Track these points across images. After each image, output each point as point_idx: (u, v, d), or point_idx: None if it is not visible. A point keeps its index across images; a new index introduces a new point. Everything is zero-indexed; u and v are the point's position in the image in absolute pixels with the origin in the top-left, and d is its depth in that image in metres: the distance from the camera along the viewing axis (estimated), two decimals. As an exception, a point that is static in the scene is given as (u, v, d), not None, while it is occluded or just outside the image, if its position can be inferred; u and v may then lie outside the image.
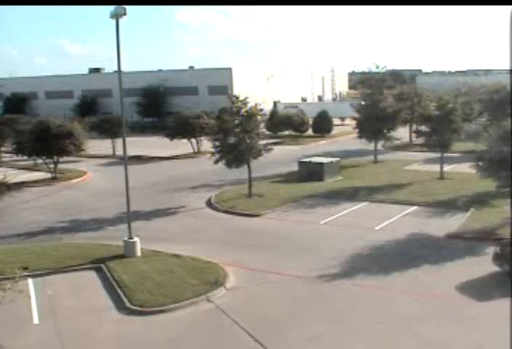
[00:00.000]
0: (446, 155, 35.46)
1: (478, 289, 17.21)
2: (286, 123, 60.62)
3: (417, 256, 20.60)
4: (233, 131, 30.34)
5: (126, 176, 21.75)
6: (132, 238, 21.24)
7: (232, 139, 30.38)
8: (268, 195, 31.13)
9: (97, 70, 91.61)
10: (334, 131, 63.19)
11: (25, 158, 41.74)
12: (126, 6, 19.91)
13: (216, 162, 30.90)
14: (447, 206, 27.70)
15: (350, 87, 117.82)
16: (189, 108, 53.88)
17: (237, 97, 30.78)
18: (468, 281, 17.87)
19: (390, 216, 26.19)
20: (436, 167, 35.37)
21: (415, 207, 27.88)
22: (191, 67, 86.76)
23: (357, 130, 43.58)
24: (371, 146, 42.75)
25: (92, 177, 40.92)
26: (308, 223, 25.77)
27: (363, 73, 54.13)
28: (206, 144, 40.30)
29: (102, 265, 20.11)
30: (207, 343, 14.61)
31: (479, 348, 13.82)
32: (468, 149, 37.19)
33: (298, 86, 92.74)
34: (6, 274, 16.03)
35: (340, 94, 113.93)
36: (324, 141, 58.88)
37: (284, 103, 79.31)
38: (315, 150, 49.44)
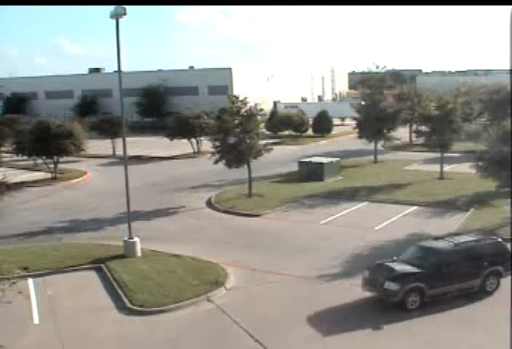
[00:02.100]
0: (446, 155, 35.44)
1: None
2: (286, 123, 60.54)
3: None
4: (233, 131, 30.35)
5: (126, 176, 21.76)
6: (132, 238, 21.25)
7: (232, 139, 30.38)
8: (268, 195, 31.12)
9: (97, 70, 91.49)
10: (334, 131, 63.13)
11: (25, 158, 41.77)
12: (126, 6, 19.96)
13: (216, 162, 30.90)
14: (447, 206, 27.70)
15: (350, 87, 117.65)
16: (189, 108, 53.82)
17: (237, 97, 30.80)
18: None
19: (390, 216, 26.19)
20: (436, 167, 35.36)
21: (415, 207, 27.88)
22: (191, 67, 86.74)
23: (357, 130, 43.59)
24: (371, 146, 42.74)
25: (92, 177, 40.91)
26: (308, 223, 25.77)
27: (363, 73, 54.07)
28: (206, 144, 40.28)
29: (102, 265, 20.13)
30: (207, 343, 14.62)
31: (480, 348, 13.86)
32: (468, 149, 37.21)
33: (298, 86, 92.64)
34: (6, 274, 16.03)
35: (340, 94, 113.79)
36: (324, 141, 58.85)
37: (284, 103, 79.21)
38: (315, 150, 49.41)
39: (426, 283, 15.91)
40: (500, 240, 17.59)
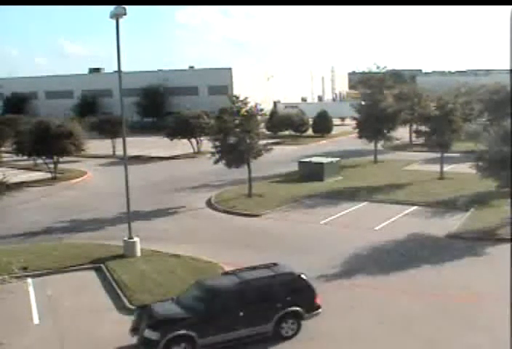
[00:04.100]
0: (446, 155, 35.43)
1: None
2: (286, 123, 60.57)
3: (417, 256, 20.62)
4: (233, 131, 30.34)
5: (126, 176, 21.76)
6: (131, 238, 21.26)
7: (232, 139, 30.38)
8: (267, 195, 31.11)
9: (97, 70, 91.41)
10: (334, 131, 63.15)
11: (25, 158, 41.75)
12: (126, 6, 19.97)
13: (216, 162, 30.89)
14: (447, 206, 27.69)
15: (350, 87, 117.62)
16: (189, 108, 53.80)
17: (237, 97, 30.80)
18: None
19: (390, 216, 26.18)
20: (436, 167, 35.35)
21: (415, 207, 27.87)
22: (191, 67, 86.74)
23: (357, 130, 43.58)
24: (371, 146, 42.72)
25: (92, 177, 40.91)
26: (308, 223, 25.76)
27: (363, 73, 54.10)
28: (206, 144, 40.28)
29: (101, 265, 20.12)
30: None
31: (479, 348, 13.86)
32: (468, 149, 37.17)
33: (298, 86, 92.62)
34: (5, 274, 16.02)
35: (340, 94, 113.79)
36: (324, 141, 58.85)
37: (284, 103, 79.25)
38: (315, 150, 49.40)
39: (198, 331, 13.39)
40: (301, 275, 15.01)
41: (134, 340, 14.07)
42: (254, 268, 15.42)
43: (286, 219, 26.77)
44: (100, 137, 50.98)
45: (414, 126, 46.28)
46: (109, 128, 48.98)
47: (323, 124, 61.43)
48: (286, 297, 14.43)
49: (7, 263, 13.99)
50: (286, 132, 61.45)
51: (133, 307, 16.10)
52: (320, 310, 14.88)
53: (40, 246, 22.78)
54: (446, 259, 20.06)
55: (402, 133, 46.98)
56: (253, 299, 14.11)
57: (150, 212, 28.55)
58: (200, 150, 49.61)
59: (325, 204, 29.32)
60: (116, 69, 21.78)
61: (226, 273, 15.66)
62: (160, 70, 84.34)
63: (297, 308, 14.46)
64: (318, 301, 14.89)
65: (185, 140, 50.16)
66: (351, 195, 30.73)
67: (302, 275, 15.05)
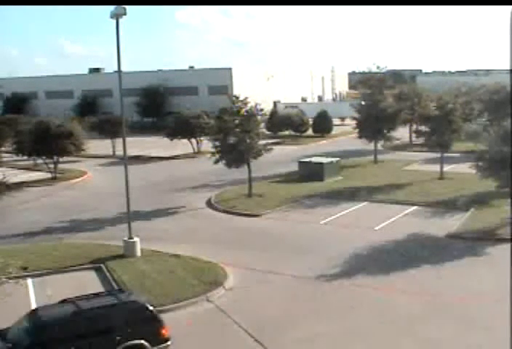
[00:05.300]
0: (446, 155, 35.44)
1: None
2: (286, 123, 60.59)
3: (417, 256, 20.62)
4: (233, 131, 30.35)
5: (126, 176, 21.76)
6: (131, 238, 21.26)
7: (232, 139, 30.39)
8: (267, 195, 31.12)
9: (97, 70, 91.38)
10: (334, 131, 63.17)
11: (25, 158, 41.76)
12: (126, 6, 19.98)
13: (216, 162, 30.90)
14: (447, 206, 27.69)
15: (350, 87, 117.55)
16: (189, 108, 53.84)
17: (237, 97, 30.80)
18: None
19: (390, 216, 26.18)
20: (436, 167, 35.36)
21: (415, 207, 27.87)
22: (191, 67, 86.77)
23: (357, 130, 43.59)
24: (371, 146, 42.72)
25: (92, 177, 40.91)
26: (308, 223, 25.77)
27: (363, 73, 54.13)
28: (206, 144, 40.30)
29: (101, 265, 20.11)
30: (207, 343, 14.60)
31: None
32: (468, 149, 37.20)
33: (298, 86, 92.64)
34: (5, 274, 16.01)
35: (340, 94, 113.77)
36: (324, 141, 58.85)
37: (284, 103, 79.27)
38: (315, 150, 49.39)
39: None
40: (146, 305, 13.62)
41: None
42: (96, 295, 14.17)
43: (286, 219, 26.77)
44: (100, 137, 50.96)
45: (414, 126, 46.31)
46: (109, 128, 48.95)
47: (323, 124, 61.45)
48: (127, 329, 12.94)
49: (6, 265, 13.95)
50: (286, 132, 61.46)
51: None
52: (169, 343, 13.38)
53: (40, 246, 22.78)
54: (446, 259, 20.06)
55: (402, 133, 47.04)
56: (87, 332, 12.60)
57: (150, 212, 28.55)
58: (200, 150, 49.61)
59: (325, 204, 29.33)
60: (116, 69, 21.80)
61: (64, 301, 13.86)
62: (160, 70, 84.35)
63: (141, 341, 12.96)
64: (166, 333, 13.38)
65: (185, 140, 50.16)
66: (351, 195, 30.73)
67: (148, 305, 13.63)
